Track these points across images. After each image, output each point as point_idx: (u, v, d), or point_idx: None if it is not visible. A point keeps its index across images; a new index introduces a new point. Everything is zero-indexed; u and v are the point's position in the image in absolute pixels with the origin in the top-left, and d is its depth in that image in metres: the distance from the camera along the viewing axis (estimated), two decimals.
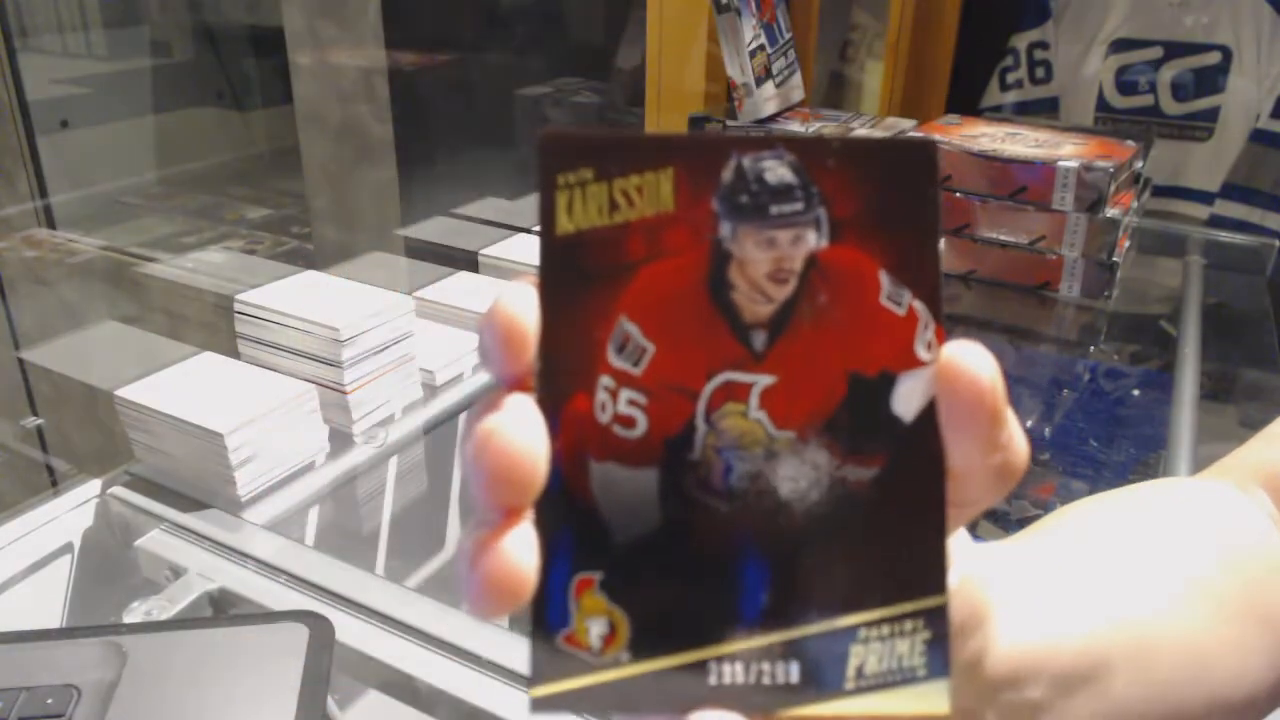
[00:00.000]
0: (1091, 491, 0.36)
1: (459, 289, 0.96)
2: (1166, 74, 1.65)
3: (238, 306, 0.80)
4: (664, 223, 0.20)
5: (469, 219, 1.26)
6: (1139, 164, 1.13)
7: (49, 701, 0.46)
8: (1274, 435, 0.38)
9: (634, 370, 0.20)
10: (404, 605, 0.59)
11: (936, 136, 1.13)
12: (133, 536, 0.66)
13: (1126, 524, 0.33)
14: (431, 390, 0.85)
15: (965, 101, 1.79)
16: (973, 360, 0.20)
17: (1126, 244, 1.13)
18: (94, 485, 0.71)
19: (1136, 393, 1.05)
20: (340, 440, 0.77)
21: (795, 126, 1.23)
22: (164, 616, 0.59)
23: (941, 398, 0.20)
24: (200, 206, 1.79)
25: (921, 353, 0.20)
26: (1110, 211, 1.04)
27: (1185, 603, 0.31)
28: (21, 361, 1.27)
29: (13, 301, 1.29)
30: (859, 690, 0.20)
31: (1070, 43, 1.72)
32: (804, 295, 0.20)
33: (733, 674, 0.20)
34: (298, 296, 0.80)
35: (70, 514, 0.69)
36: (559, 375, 0.20)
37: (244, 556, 0.64)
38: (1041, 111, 1.75)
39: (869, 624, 0.20)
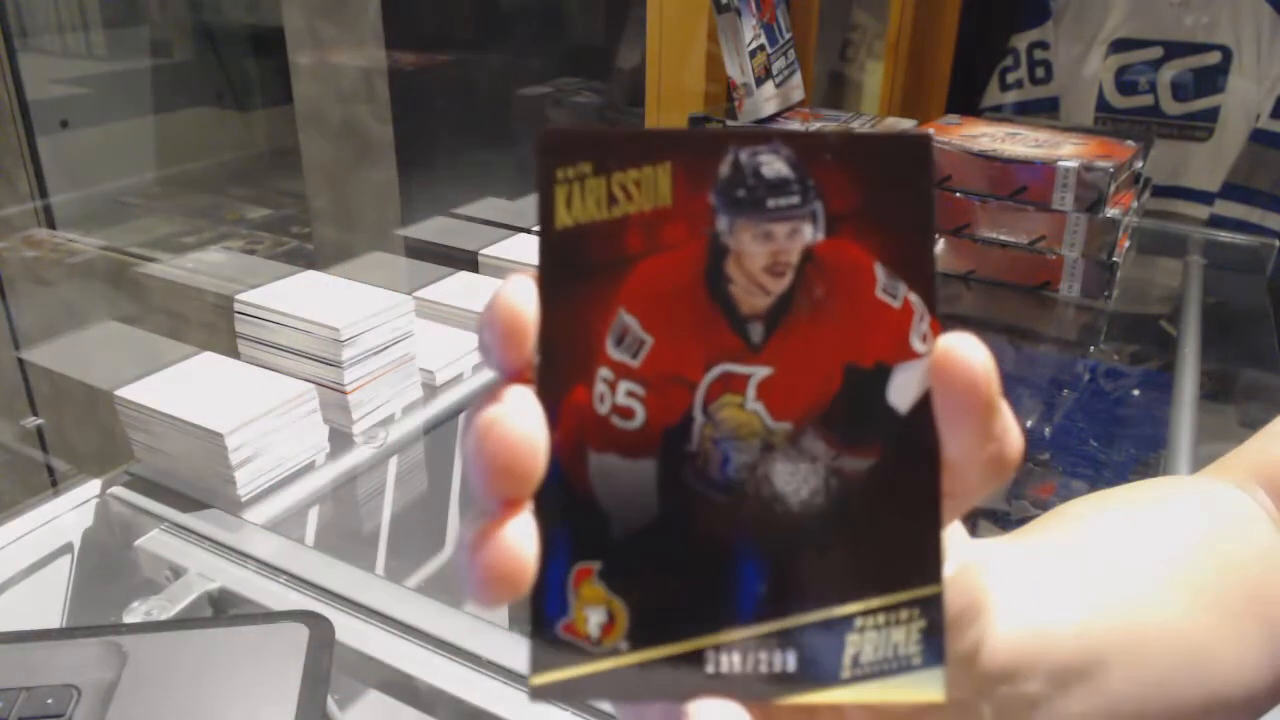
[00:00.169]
0: (1091, 491, 0.36)
1: (459, 289, 0.96)
2: (1166, 74, 1.65)
3: (238, 306, 0.80)
4: (662, 217, 0.20)
5: (469, 219, 1.26)
6: (1139, 164, 1.14)
7: (49, 701, 0.46)
8: (1273, 434, 0.38)
9: (632, 362, 0.20)
10: (404, 605, 0.59)
11: (936, 137, 1.13)
12: (133, 536, 0.66)
13: (1124, 521, 0.33)
14: (431, 390, 0.85)
15: (965, 101, 1.79)
16: (967, 352, 0.20)
17: (1126, 244, 1.13)
18: (94, 485, 0.71)
19: (1136, 393, 1.05)
20: (340, 440, 0.77)
21: (795, 126, 1.23)
22: (164, 616, 0.59)
23: (936, 389, 0.20)
24: (200, 206, 1.79)
25: (917, 345, 0.21)
26: (1110, 211, 1.04)
27: (1183, 600, 0.31)
28: (21, 361, 1.27)
29: (13, 301, 1.29)
30: (855, 679, 0.20)
31: (1070, 43, 1.72)
32: (800, 288, 0.21)
33: (730, 663, 0.20)
34: (298, 296, 0.80)
35: (70, 514, 0.69)
36: (558, 367, 0.20)
37: (244, 556, 0.64)
38: (1041, 111, 1.75)
39: (865, 613, 0.20)
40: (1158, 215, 1.44)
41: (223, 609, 0.62)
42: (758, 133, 0.21)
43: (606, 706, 0.51)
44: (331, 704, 0.56)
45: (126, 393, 0.71)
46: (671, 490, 0.20)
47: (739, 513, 0.21)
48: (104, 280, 1.41)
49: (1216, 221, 1.62)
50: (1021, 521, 0.33)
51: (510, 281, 0.20)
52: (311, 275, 0.85)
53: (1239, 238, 1.36)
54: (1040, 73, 1.74)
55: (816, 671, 0.20)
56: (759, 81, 1.18)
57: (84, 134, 1.51)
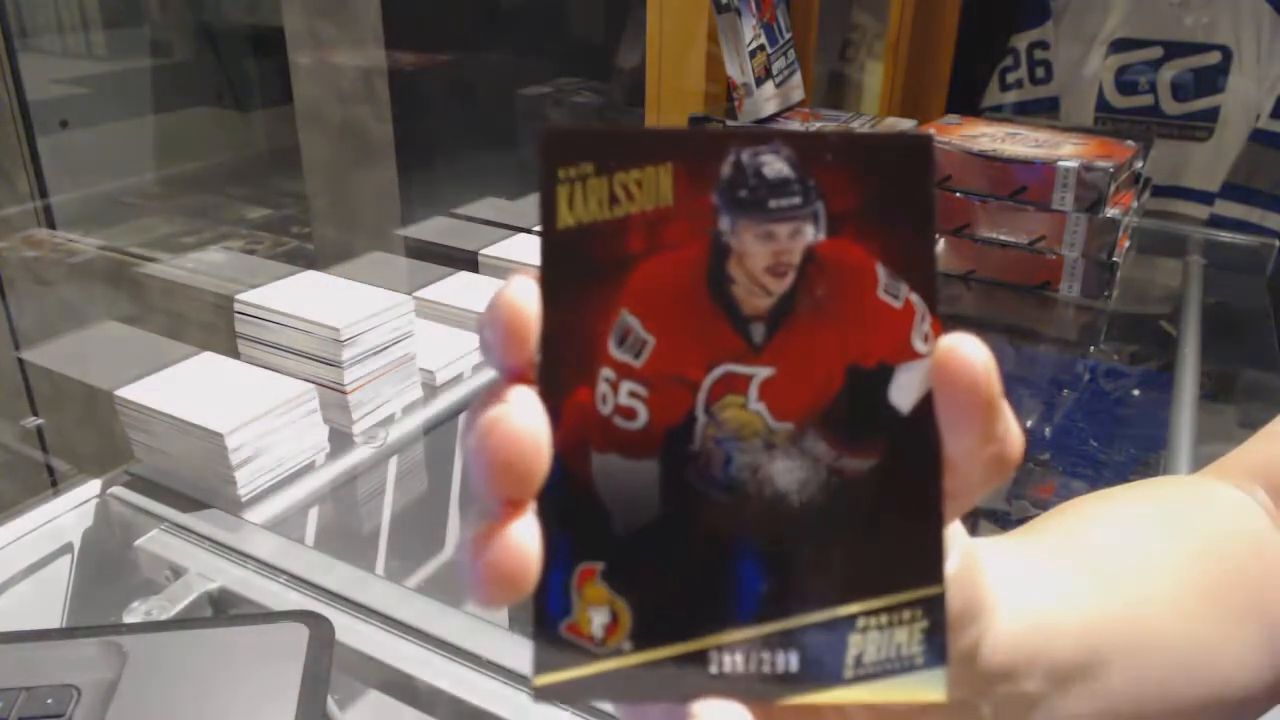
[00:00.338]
0: (1091, 491, 0.36)
1: (459, 289, 0.96)
2: (1166, 74, 1.65)
3: (238, 306, 0.80)
4: (664, 217, 0.20)
5: (469, 219, 1.26)
6: (1139, 164, 1.14)
7: (49, 701, 0.46)
8: (1273, 434, 0.38)
9: (635, 362, 0.20)
10: (404, 605, 0.59)
11: (936, 137, 1.13)
12: (133, 536, 0.66)
13: (1124, 520, 0.33)
14: (431, 390, 0.85)
15: (965, 101, 1.79)
16: (969, 352, 0.20)
17: (1126, 244, 1.13)
18: (94, 485, 0.71)
19: (1136, 393, 1.05)
20: (340, 440, 0.77)
21: (795, 126, 1.23)
22: (164, 616, 0.59)
23: (938, 389, 0.20)
24: (200, 206, 1.78)
25: (918, 345, 0.21)
26: (1110, 211, 1.04)
27: (1182, 599, 0.31)
28: (21, 361, 1.27)
29: (13, 301, 1.29)
30: (858, 679, 0.20)
31: (1070, 43, 1.72)
32: (802, 288, 0.21)
33: (733, 663, 0.20)
34: (298, 296, 0.80)
35: (70, 514, 0.69)
36: (560, 367, 0.20)
37: (244, 556, 0.64)
38: (1041, 111, 1.75)
39: (867, 613, 0.20)
40: (1158, 215, 1.44)
41: (223, 609, 0.62)
42: (759, 133, 0.21)
43: (608, 707, 0.51)
44: (331, 704, 0.56)
45: (126, 393, 0.71)
46: (674, 490, 0.20)
47: (741, 513, 0.21)
48: (104, 280, 1.41)
49: (1216, 221, 1.62)
50: (1021, 521, 0.33)
51: (512, 281, 0.20)
52: (311, 275, 0.85)
53: (1239, 238, 1.36)
54: (1040, 73, 1.74)
55: (819, 672, 0.20)
56: (759, 81, 1.18)
57: (84, 134, 1.51)
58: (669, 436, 0.20)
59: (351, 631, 0.57)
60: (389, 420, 0.81)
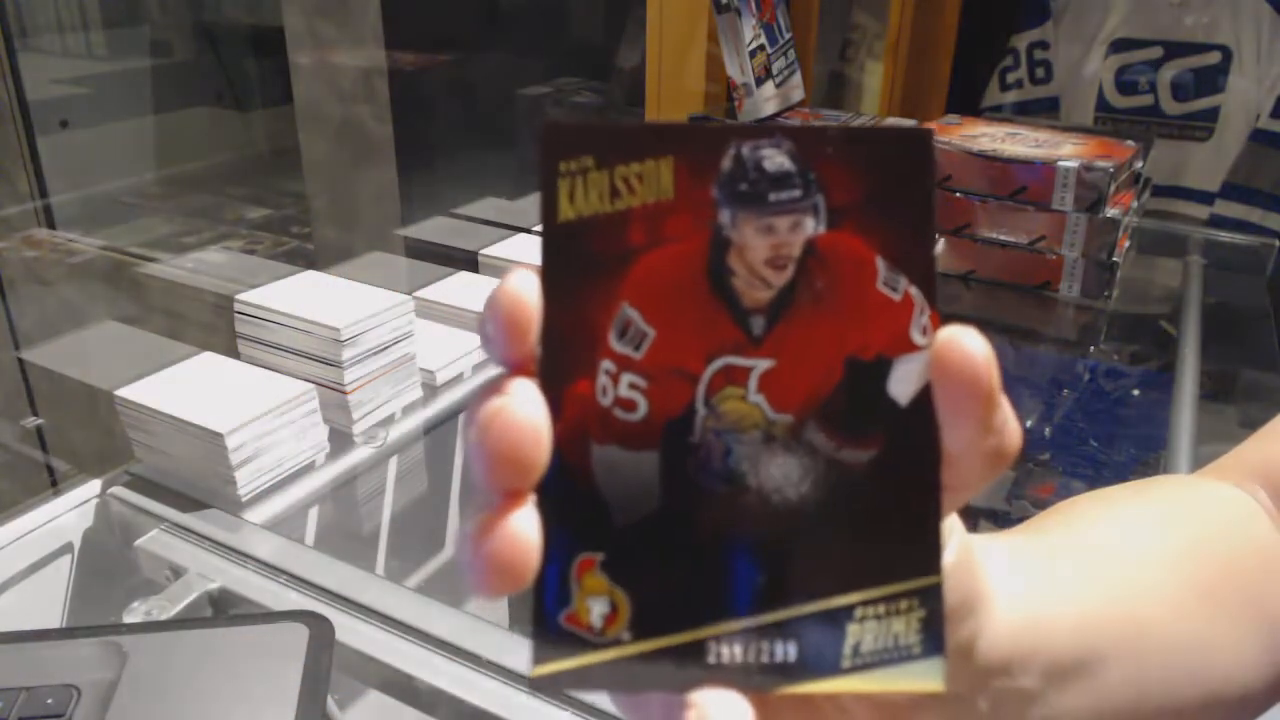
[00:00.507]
0: (1091, 491, 0.36)
1: (459, 289, 0.96)
2: (1166, 74, 1.65)
3: (238, 306, 0.80)
4: (664, 210, 0.20)
5: (469, 219, 1.26)
6: (1139, 164, 1.14)
7: (49, 701, 0.46)
8: (1271, 433, 0.38)
9: (635, 355, 0.20)
10: (404, 605, 0.59)
11: (936, 136, 1.13)
12: (133, 536, 0.66)
13: (1122, 518, 0.33)
14: (431, 390, 0.85)
15: (965, 101, 1.79)
16: (967, 344, 0.20)
17: (1126, 244, 1.13)
18: (94, 485, 0.71)
19: (1136, 393, 1.05)
20: (340, 440, 0.77)
21: None
22: (164, 616, 0.59)
23: (936, 381, 0.20)
24: (200, 206, 1.78)
25: (917, 337, 0.21)
26: (1110, 211, 1.04)
27: (1181, 597, 0.31)
28: (21, 361, 1.26)
29: (13, 301, 1.29)
30: (855, 668, 0.20)
31: (1070, 43, 1.72)
32: (802, 281, 0.21)
33: (731, 653, 0.20)
34: (298, 296, 0.80)
35: (70, 514, 0.69)
36: (561, 359, 0.20)
37: (244, 556, 0.64)
38: (1041, 111, 1.75)
39: (865, 603, 0.21)
40: (1158, 215, 1.44)
41: (223, 609, 0.62)
42: (759, 127, 0.21)
43: (607, 706, 0.51)
44: (331, 704, 0.56)
45: (126, 393, 0.71)
46: (674, 482, 0.21)
47: (740, 504, 0.21)
48: (104, 280, 1.41)
49: (1216, 221, 1.62)
50: (1021, 521, 0.33)
51: (513, 274, 0.20)
52: (311, 275, 0.85)
53: (1239, 238, 1.36)
54: (1040, 73, 1.74)
55: (817, 661, 0.20)
56: (759, 81, 1.18)
57: (84, 134, 1.51)
58: (669, 428, 0.21)
59: (351, 631, 0.57)
60: (389, 420, 0.81)
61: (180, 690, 0.48)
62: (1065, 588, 0.28)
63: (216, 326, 0.99)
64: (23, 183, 1.38)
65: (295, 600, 0.60)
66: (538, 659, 0.20)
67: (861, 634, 0.20)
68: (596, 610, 0.20)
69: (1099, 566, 0.30)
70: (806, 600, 0.21)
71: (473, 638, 0.56)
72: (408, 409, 0.83)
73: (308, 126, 1.63)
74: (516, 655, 0.55)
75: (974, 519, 0.77)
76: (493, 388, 0.20)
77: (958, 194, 1.10)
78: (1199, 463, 0.39)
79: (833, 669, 0.20)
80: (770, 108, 1.21)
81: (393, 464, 0.80)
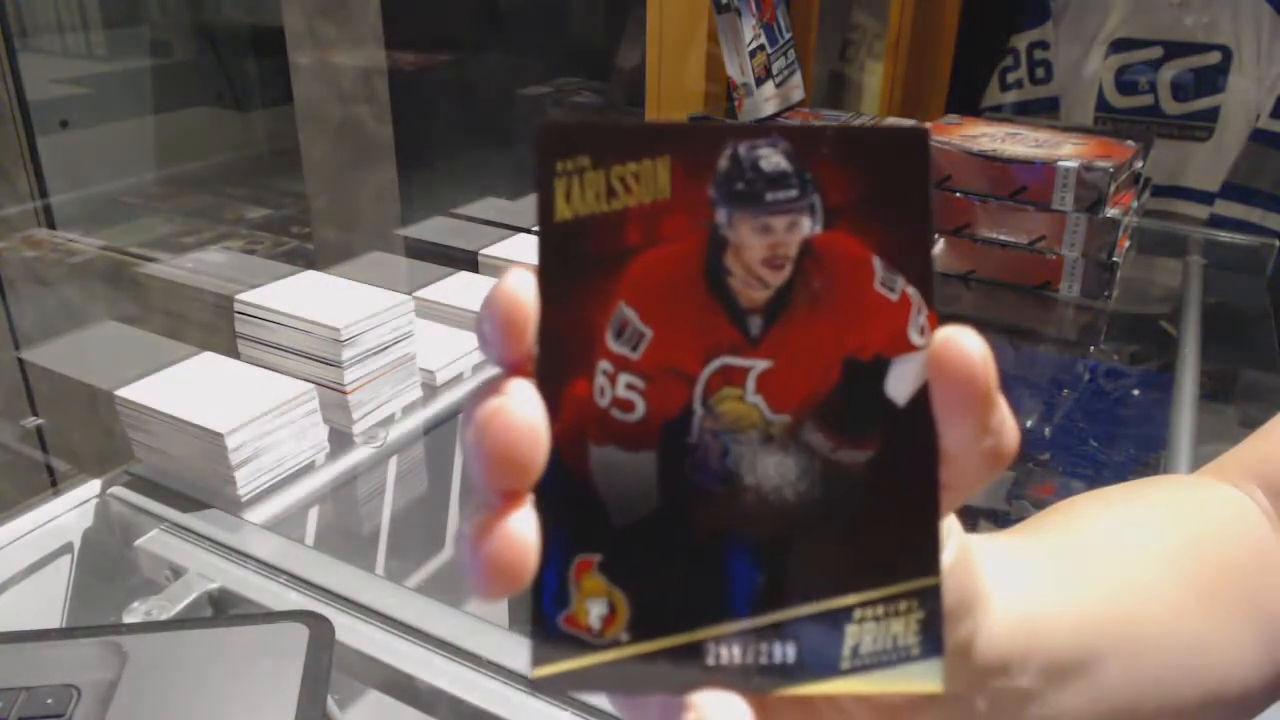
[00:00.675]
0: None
1: (459, 289, 0.96)
2: (1166, 74, 1.65)
3: (238, 306, 0.80)
4: (661, 210, 0.20)
5: (469, 219, 1.26)
6: (1139, 164, 1.14)
7: (49, 701, 0.46)
8: (1269, 433, 0.38)
9: (632, 355, 0.20)
10: (404, 605, 0.59)
11: (936, 137, 1.13)
12: (133, 536, 0.66)
13: (1121, 518, 0.33)
14: (431, 390, 0.85)
15: (965, 101, 1.79)
16: (965, 344, 0.20)
17: (1126, 244, 1.13)
18: (94, 485, 0.71)
19: (1136, 393, 1.05)
20: (340, 440, 0.77)
21: None
22: (164, 616, 0.59)
23: (934, 381, 0.20)
24: (200, 206, 1.78)
25: (914, 337, 0.21)
26: (1110, 211, 1.04)
27: (1179, 597, 0.31)
28: (21, 361, 1.27)
29: (13, 301, 1.29)
30: (854, 670, 0.20)
31: (1070, 43, 1.72)
32: (799, 281, 0.21)
33: (730, 655, 0.20)
34: (298, 296, 0.80)
35: (70, 514, 0.69)
36: (558, 360, 0.20)
37: (244, 556, 0.64)
38: (1041, 111, 1.75)
39: (864, 604, 0.21)
40: (1158, 215, 1.44)
41: (223, 609, 0.62)
42: (756, 126, 0.21)
43: (607, 706, 0.51)
44: (331, 704, 0.56)
45: (126, 393, 0.71)
46: (671, 482, 0.21)
47: (739, 505, 0.21)
48: (104, 280, 1.41)
49: (1216, 221, 1.62)
50: (1021, 521, 0.33)
51: (510, 274, 0.20)
52: (311, 275, 0.85)
53: (1239, 238, 1.36)
54: (1040, 73, 1.74)
55: (816, 663, 0.20)
56: (759, 81, 1.18)
57: (84, 134, 1.51)
58: (666, 429, 0.21)
59: (351, 631, 0.57)
60: (389, 420, 0.81)
61: (180, 690, 0.48)
62: (1064, 587, 0.28)
63: (216, 326, 0.99)
64: (23, 183, 1.38)
65: (295, 600, 0.60)
66: (537, 660, 0.20)
67: (860, 635, 0.20)
68: (595, 611, 0.20)
69: (1097, 566, 0.30)
70: (805, 601, 0.21)
71: (473, 638, 0.56)
72: (408, 409, 0.83)
73: (308, 126, 1.63)
74: (516, 655, 0.55)
75: (974, 519, 0.77)
76: (490, 388, 0.19)
77: (958, 194, 1.10)
78: (1199, 463, 0.39)
79: (831, 670, 0.20)
80: (770, 108, 1.21)
81: (393, 464, 0.80)
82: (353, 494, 0.78)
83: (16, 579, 0.66)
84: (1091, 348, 1.12)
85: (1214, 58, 1.62)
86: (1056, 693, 0.27)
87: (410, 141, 1.61)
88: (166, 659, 0.50)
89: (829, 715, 0.24)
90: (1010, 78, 1.76)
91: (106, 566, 0.71)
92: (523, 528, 0.19)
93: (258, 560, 0.63)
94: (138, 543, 0.66)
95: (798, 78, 1.29)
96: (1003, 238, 1.10)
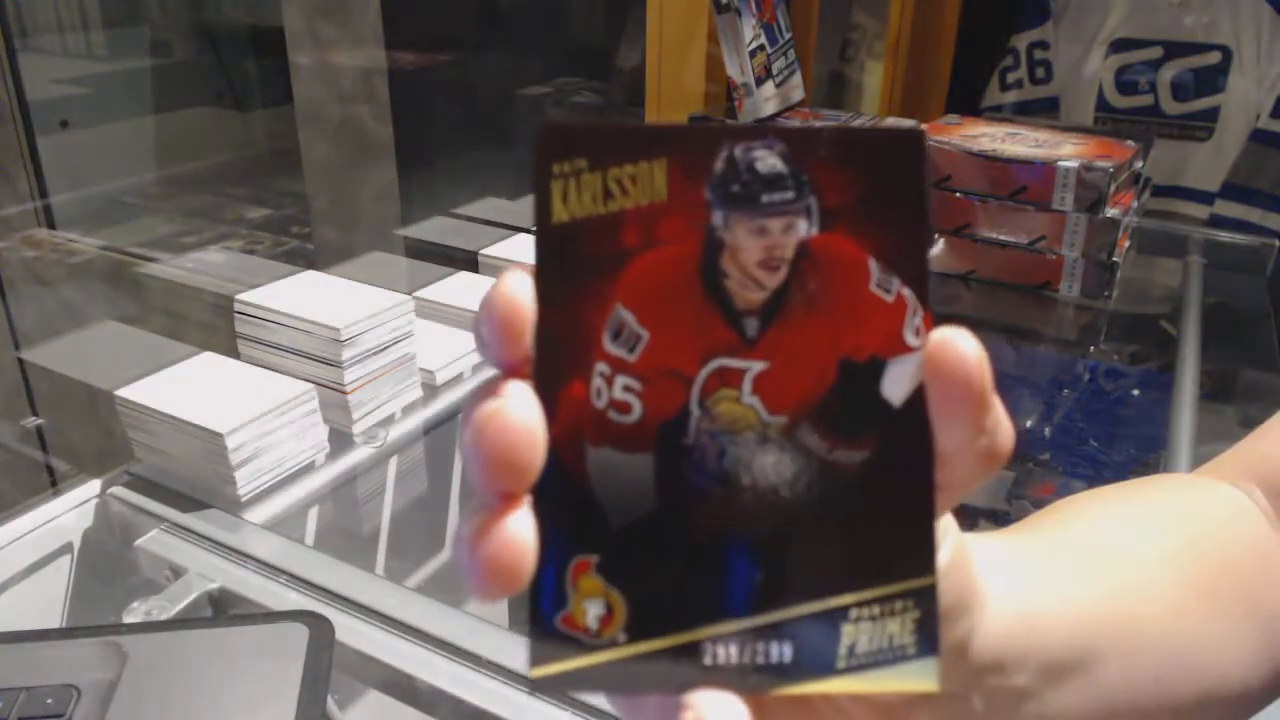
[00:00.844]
0: None
1: (459, 289, 0.96)
2: (1166, 74, 1.65)
3: (238, 306, 0.80)
4: (657, 212, 0.20)
5: (469, 219, 1.26)
6: (1139, 164, 1.14)
7: (49, 701, 0.46)
8: (1268, 432, 0.38)
9: (629, 357, 0.20)
10: (404, 605, 0.59)
11: (936, 137, 1.13)
12: (133, 536, 0.66)
13: (1119, 517, 0.33)
14: (431, 390, 0.85)
15: (965, 101, 1.79)
16: (960, 345, 0.20)
17: (1126, 244, 1.13)
18: (94, 485, 0.71)
19: (1136, 393, 1.05)
20: (340, 440, 0.77)
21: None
22: (164, 616, 0.59)
23: (930, 382, 0.21)
24: (200, 206, 1.78)
25: (910, 338, 0.21)
26: (1110, 211, 1.04)
27: (1177, 595, 0.31)
28: (21, 361, 1.27)
29: (13, 301, 1.29)
30: (851, 669, 0.21)
31: (1070, 43, 1.72)
32: (795, 283, 0.21)
33: (727, 654, 0.20)
34: (298, 296, 0.80)
35: (70, 514, 0.69)
36: (555, 361, 0.20)
37: (244, 556, 0.64)
38: (1041, 111, 1.75)
39: (860, 604, 0.21)
40: (1158, 215, 1.44)
41: (223, 609, 0.62)
42: (752, 128, 0.21)
43: (607, 706, 0.51)
44: (331, 704, 0.56)
45: (126, 393, 0.71)
46: (668, 484, 0.21)
47: (735, 506, 0.21)
48: (104, 280, 1.41)
49: (1216, 221, 1.62)
50: (1020, 521, 0.33)
51: (507, 276, 0.20)
52: (311, 275, 0.85)
53: (1239, 238, 1.36)
54: (1040, 73, 1.74)
55: (812, 662, 0.20)
56: (759, 81, 1.18)
57: (84, 134, 1.51)
58: (663, 430, 0.21)
59: (351, 631, 0.57)
60: (389, 420, 0.81)
61: (180, 690, 0.48)
62: (1061, 586, 0.28)
63: (216, 326, 0.99)
64: (23, 183, 1.38)
65: (295, 600, 0.60)
66: (535, 661, 0.20)
67: (856, 635, 0.21)
68: (592, 612, 0.20)
69: (1095, 565, 0.30)
70: (801, 601, 0.21)
71: (473, 638, 0.56)
72: (408, 409, 0.83)
73: (308, 126, 1.63)
74: (516, 655, 0.55)
75: (973, 519, 0.77)
76: (487, 390, 0.20)
77: (958, 194, 1.10)
78: (1199, 462, 0.39)
79: (828, 670, 0.20)
80: (770, 108, 1.21)
81: (393, 464, 0.80)
82: (353, 494, 0.78)
83: (16, 579, 0.66)
84: (1091, 348, 1.12)
85: (1214, 58, 1.62)
86: (1054, 691, 0.27)
87: (410, 141, 1.61)
88: (166, 659, 0.50)
89: (826, 715, 0.24)
90: (1010, 78, 1.76)
91: (106, 566, 0.71)
92: (521, 529, 0.19)
93: (258, 560, 0.63)
94: (138, 543, 0.66)
95: (798, 78, 1.30)
96: (1003, 238, 1.10)
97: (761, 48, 1.19)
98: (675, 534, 0.21)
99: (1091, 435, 0.92)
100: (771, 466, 0.21)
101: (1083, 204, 1.04)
